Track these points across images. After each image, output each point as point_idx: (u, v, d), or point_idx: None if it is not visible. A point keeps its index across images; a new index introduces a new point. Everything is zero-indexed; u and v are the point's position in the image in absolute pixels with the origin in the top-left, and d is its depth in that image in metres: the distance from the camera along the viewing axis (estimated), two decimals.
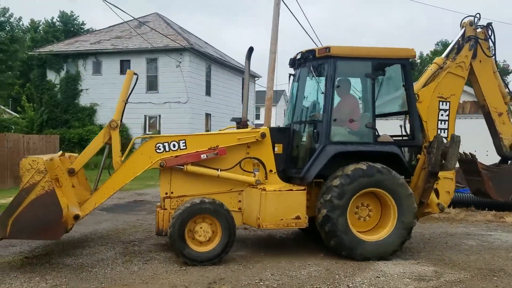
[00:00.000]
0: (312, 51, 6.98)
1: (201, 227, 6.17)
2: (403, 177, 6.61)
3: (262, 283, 5.40)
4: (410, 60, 7.05)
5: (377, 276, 5.72)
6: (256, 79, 34.89)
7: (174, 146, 6.47)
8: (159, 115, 25.63)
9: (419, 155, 6.99)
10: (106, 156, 6.70)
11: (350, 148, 6.64)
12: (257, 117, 42.53)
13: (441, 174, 6.88)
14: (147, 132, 25.63)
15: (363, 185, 6.39)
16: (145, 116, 25.56)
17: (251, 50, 7.24)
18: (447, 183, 7.17)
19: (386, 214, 6.63)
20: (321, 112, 6.74)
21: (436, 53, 55.58)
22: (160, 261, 6.29)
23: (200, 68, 26.75)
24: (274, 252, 6.85)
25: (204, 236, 6.17)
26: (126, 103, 6.59)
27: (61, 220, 5.71)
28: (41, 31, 45.10)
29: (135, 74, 6.67)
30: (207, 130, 28.18)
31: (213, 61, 28.05)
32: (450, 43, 7.80)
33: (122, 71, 25.76)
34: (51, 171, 5.87)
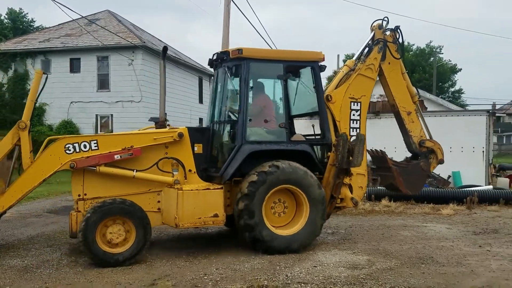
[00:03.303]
0: (226, 53, 7.14)
1: (113, 229, 6.15)
2: (315, 173, 7.00)
3: (206, 277, 5.61)
4: (319, 62, 7.38)
5: (314, 266, 6.08)
6: (212, 78, 34.83)
7: (85, 146, 6.33)
8: (111, 115, 25.23)
9: (329, 153, 7.30)
10: (16, 158, 6.55)
11: (264, 147, 6.91)
12: None
13: (354, 170, 7.22)
14: (99, 132, 25.18)
15: (276, 183, 6.67)
16: (96, 115, 25.11)
17: (165, 50, 7.27)
18: (359, 178, 7.55)
19: (299, 210, 6.95)
20: (237, 113, 6.94)
21: None
22: None
23: (154, 66, 26.48)
24: (222, 249, 7.07)
25: (117, 237, 6.16)
26: (35, 103, 6.48)
27: None
28: None
29: (44, 73, 6.60)
30: None
31: (167, 59, 27.84)
32: (361, 46, 8.04)
33: (72, 70, 25.25)
34: None
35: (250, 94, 7.05)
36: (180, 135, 6.70)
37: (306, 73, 7.55)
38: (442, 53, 65.35)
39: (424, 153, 8.11)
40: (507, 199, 11.48)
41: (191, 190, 6.48)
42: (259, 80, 7.52)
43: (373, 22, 7.97)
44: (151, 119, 7.35)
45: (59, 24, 28.32)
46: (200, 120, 31.99)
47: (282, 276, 5.63)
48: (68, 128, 24.34)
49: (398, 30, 7.95)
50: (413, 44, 57.18)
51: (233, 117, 7.15)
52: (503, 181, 14.49)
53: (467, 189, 11.99)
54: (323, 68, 7.44)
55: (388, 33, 7.94)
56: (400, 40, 7.98)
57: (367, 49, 7.91)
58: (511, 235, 8.16)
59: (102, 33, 24.67)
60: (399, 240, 7.79)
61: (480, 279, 5.61)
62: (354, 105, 7.63)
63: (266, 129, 7.21)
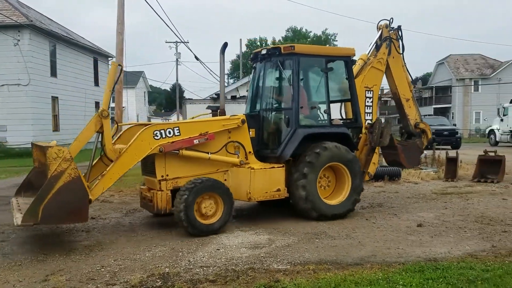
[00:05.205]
0: (277, 48, 8.11)
1: (206, 203, 6.97)
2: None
3: (103, 269, 5.38)
4: (351, 57, 8.51)
5: (217, 249, 6.18)
6: (109, 59, 33.24)
7: (169, 133, 7.09)
8: None
9: (361, 134, 8.65)
10: (96, 143, 7.02)
11: (315, 130, 8.02)
12: (114, 99, 40.65)
13: None
14: None
15: (329, 160, 7.82)
16: None
17: (225, 45, 8.25)
18: (374, 156, 8.77)
19: (340, 183, 8.13)
20: (290, 101, 7.89)
21: (287, 39, 59.00)
22: None
23: (43, 47, 24.64)
24: (120, 240, 6.81)
25: (210, 210, 6.99)
26: (112, 93, 6.91)
27: (88, 204, 6.24)
28: None
29: (119, 65, 7.11)
30: (54, 115, 26.21)
31: (58, 39, 25.98)
32: (371, 42, 9.39)
33: None
34: None
35: (301, 84, 8.02)
36: (243, 122, 7.66)
37: (338, 65, 8.52)
38: (337, 40, 68.90)
39: (418, 133, 9.67)
40: (390, 176, 12.61)
41: (260, 168, 7.51)
42: (304, 72, 8.47)
43: (380, 22, 9.29)
44: (209, 107, 8.19)
45: None
46: (96, 103, 30.38)
47: (184, 262, 5.62)
48: None
49: (400, 29, 9.29)
50: (310, 32, 59.47)
51: (281, 105, 8.23)
52: None
53: None
54: (354, 61, 8.71)
55: (391, 31, 9.24)
56: (402, 38, 9.33)
57: (375, 45, 9.18)
58: (393, 208, 9.01)
59: None
60: (297, 218, 8.14)
61: (366, 249, 6.14)
62: (368, 93, 8.87)
63: (313, 114, 8.33)
